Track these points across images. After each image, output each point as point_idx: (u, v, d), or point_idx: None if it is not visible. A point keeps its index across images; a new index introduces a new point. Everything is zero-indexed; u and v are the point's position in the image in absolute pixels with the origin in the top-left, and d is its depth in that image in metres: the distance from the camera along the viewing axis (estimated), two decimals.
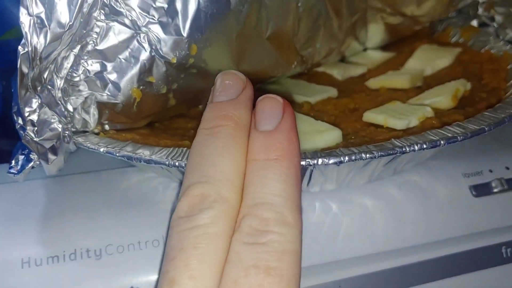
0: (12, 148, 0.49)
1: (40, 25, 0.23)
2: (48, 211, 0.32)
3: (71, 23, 0.24)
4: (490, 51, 0.45)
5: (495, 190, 0.36)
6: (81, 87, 0.28)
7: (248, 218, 0.21)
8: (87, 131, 0.30)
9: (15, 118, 0.26)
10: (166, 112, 0.32)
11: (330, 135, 0.30)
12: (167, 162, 0.26)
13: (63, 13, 0.23)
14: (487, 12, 0.48)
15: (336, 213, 0.32)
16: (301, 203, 0.22)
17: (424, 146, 0.27)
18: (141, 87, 0.29)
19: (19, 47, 0.23)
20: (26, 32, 0.23)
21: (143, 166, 0.33)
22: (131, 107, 0.29)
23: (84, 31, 0.26)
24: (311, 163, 0.26)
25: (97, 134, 0.30)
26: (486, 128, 0.29)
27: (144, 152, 0.27)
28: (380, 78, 0.42)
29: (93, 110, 0.29)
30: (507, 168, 0.37)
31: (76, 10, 0.24)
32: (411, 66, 0.45)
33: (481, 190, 0.36)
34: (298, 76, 0.42)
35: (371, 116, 0.33)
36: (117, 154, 0.27)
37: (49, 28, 0.23)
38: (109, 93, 0.28)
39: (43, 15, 0.23)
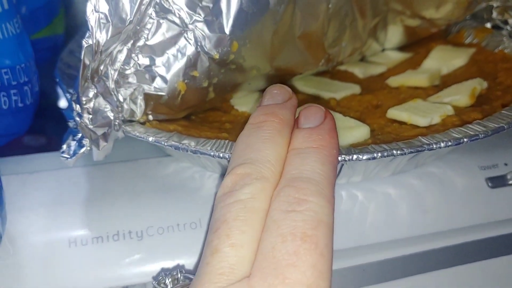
0: (46, 141, 0.52)
1: (104, 20, 0.25)
2: (91, 196, 0.34)
3: (131, 19, 0.26)
4: (504, 51, 0.47)
5: (510, 182, 0.38)
6: (130, 79, 0.30)
7: (287, 189, 0.23)
8: (133, 121, 0.32)
9: (73, 105, 0.28)
10: (204, 104, 0.34)
11: (359, 131, 0.32)
12: (212, 153, 0.28)
13: (125, 10, 0.26)
14: (501, 15, 0.50)
15: (362, 201, 0.34)
16: (334, 186, 0.24)
17: (449, 143, 0.29)
18: (185, 80, 0.31)
19: (83, 41, 0.25)
20: (91, 26, 0.25)
21: (180, 155, 0.36)
22: (176, 99, 0.31)
23: (138, 27, 0.28)
24: (346, 159, 0.28)
25: (143, 124, 0.32)
26: (505, 126, 0.31)
27: (190, 143, 0.29)
28: (400, 76, 0.44)
29: (140, 101, 0.31)
30: None
31: (136, 7, 0.26)
32: (428, 65, 0.47)
33: (497, 181, 0.38)
34: (321, 74, 0.44)
35: (395, 113, 0.35)
36: (165, 144, 0.29)
37: (112, 24, 0.25)
38: (156, 86, 0.30)
39: (107, 12, 0.25)
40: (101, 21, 0.25)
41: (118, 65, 0.29)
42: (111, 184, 0.35)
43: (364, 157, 0.28)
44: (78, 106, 0.27)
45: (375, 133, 0.34)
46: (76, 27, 0.64)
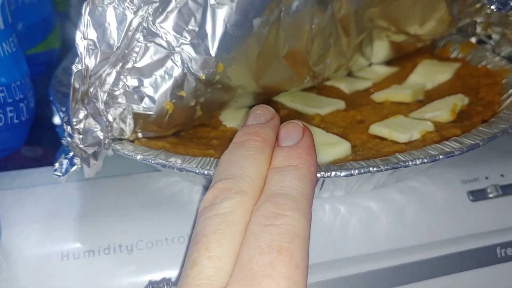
0: (43, 151, 0.53)
1: (92, 47, 0.26)
2: (84, 210, 0.35)
3: (118, 44, 0.27)
4: (487, 66, 0.48)
5: (491, 195, 0.39)
6: (120, 100, 0.31)
7: (267, 204, 0.24)
8: (123, 139, 0.33)
9: (65, 126, 0.29)
10: (192, 121, 0.36)
11: (341, 148, 0.34)
12: (197, 171, 0.29)
13: (112, 37, 0.27)
14: (484, 31, 0.51)
15: (344, 214, 0.36)
16: (312, 202, 0.26)
17: (425, 160, 0.30)
18: (173, 100, 0.32)
19: (73, 66, 0.26)
20: (81, 53, 0.26)
21: (169, 171, 0.37)
22: (164, 117, 0.33)
23: (126, 51, 0.29)
24: (325, 175, 0.29)
25: (132, 141, 0.33)
26: (480, 143, 0.32)
27: (177, 161, 0.30)
28: (384, 92, 0.45)
29: (129, 120, 0.32)
30: (502, 176, 0.41)
31: (123, 34, 0.27)
32: (413, 80, 0.48)
33: (478, 195, 0.39)
34: (308, 89, 0.45)
35: (376, 129, 0.37)
36: (152, 162, 0.30)
37: (100, 50, 0.27)
38: (145, 105, 0.32)
39: (95, 39, 0.26)
40: (90, 47, 0.26)
41: (107, 87, 0.30)
42: (103, 199, 0.36)
43: (342, 174, 0.30)
44: (69, 127, 0.29)
45: (356, 149, 0.35)
46: (72, 40, 0.65)
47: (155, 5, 0.29)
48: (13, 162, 0.45)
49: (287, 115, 0.40)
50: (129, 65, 0.30)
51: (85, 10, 0.25)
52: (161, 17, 0.30)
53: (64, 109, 0.35)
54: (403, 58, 0.54)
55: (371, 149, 0.34)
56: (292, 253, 0.23)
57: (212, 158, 0.31)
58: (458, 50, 0.53)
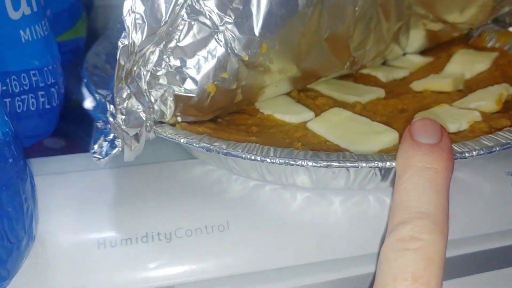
0: (65, 143, 0.52)
1: (140, 21, 0.25)
2: (119, 197, 0.34)
3: (165, 19, 0.26)
4: None
5: None
6: (161, 80, 0.30)
7: (402, 226, 0.23)
8: (163, 122, 0.32)
9: (108, 106, 0.28)
10: (231, 106, 0.35)
11: (388, 137, 0.32)
12: (243, 155, 0.28)
13: (160, 10, 0.26)
14: None
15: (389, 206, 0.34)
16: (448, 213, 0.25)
17: (481, 152, 0.29)
18: (215, 82, 0.31)
19: (119, 42, 0.25)
20: (128, 27, 0.25)
21: (206, 158, 0.36)
22: (205, 100, 0.32)
23: (171, 29, 0.28)
24: (380, 166, 0.28)
25: (173, 125, 0.32)
26: None
27: (221, 146, 0.29)
28: (423, 81, 0.44)
29: (170, 103, 0.31)
30: None
31: (171, 8, 0.26)
32: (451, 70, 0.47)
33: None
34: (344, 78, 0.44)
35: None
36: (197, 146, 0.29)
37: (147, 24, 0.26)
38: (186, 87, 0.31)
39: (143, 12, 0.25)
40: (137, 21, 0.25)
41: (150, 66, 0.29)
42: (138, 186, 0.35)
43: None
44: (112, 106, 0.28)
45: None
46: (97, 30, 0.64)
47: None
48: (36, 152, 0.44)
49: (325, 103, 0.39)
50: (172, 44, 0.29)
51: None
52: None
53: (100, 91, 0.33)
54: (438, 48, 0.53)
55: None
56: (427, 281, 0.22)
57: (257, 145, 0.29)
58: (495, 40, 0.52)
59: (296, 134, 0.34)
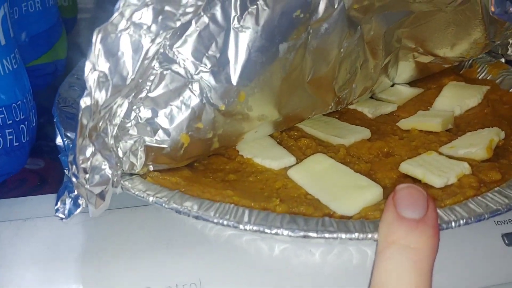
0: (44, 164, 0.49)
1: (103, 79, 0.23)
2: (87, 252, 0.32)
3: (132, 76, 0.24)
4: None
5: None
6: (131, 131, 0.28)
7: None
8: (133, 174, 0.30)
9: (70, 166, 0.26)
10: (208, 153, 0.33)
11: (372, 194, 0.30)
12: (215, 220, 0.26)
13: (126, 67, 0.24)
14: None
15: (372, 257, 0.33)
16: None
17: (470, 221, 0.27)
18: (189, 132, 0.29)
19: (81, 101, 0.23)
20: (90, 87, 0.23)
21: None
22: (178, 151, 0.30)
23: (141, 80, 0.26)
24: (359, 237, 0.26)
25: (143, 176, 0.30)
26: None
27: (193, 207, 0.27)
28: (411, 119, 0.42)
29: (141, 153, 0.29)
30: None
31: (138, 64, 0.24)
32: (440, 105, 0.45)
33: None
34: (329, 114, 0.42)
35: (408, 168, 0.34)
36: (166, 206, 0.27)
37: (112, 83, 0.24)
38: (158, 138, 0.29)
39: (107, 70, 0.23)
40: (101, 80, 0.23)
41: (117, 120, 0.27)
42: (108, 236, 0.33)
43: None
44: (74, 166, 0.26)
45: (388, 192, 0.32)
46: (80, 45, 0.62)
47: (173, 29, 0.26)
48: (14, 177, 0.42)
49: (308, 145, 0.37)
50: (143, 95, 0.27)
51: (96, 37, 0.22)
52: (179, 42, 0.27)
53: (69, 134, 0.31)
54: (427, 79, 0.51)
55: None
56: None
57: (232, 206, 0.28)
58: (487, 71, 0.50)
59: (275, 184, 0.32)
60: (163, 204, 0.27)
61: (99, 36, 0.22)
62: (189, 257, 0.32)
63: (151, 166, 0.31)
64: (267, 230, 0.26)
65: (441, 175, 0.32)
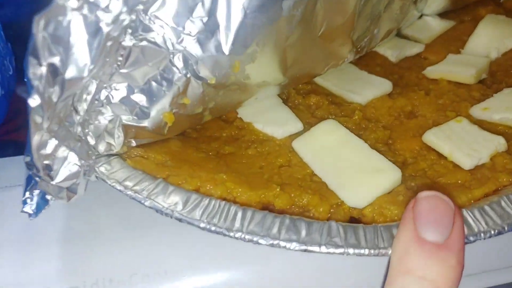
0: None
1: (53, 74, 0.18)
2: (67, 235, 0.29)
3: (91, 66, 0.19)
4: None
5: None
6: (104, 111, 0.24)
7: None
8: (112, 154, 0.26)
9: (28, 167, 0.22)
10: (199, 125, 0.28)
11: (388, 180, 0.26)
12: (201, 225, 0.23)
13: (82, 57, 0.19)
14: None
15: None
16: None
17: (504, 230, 0.23)
18: (173, 110, 0.25)
19: (29, 100, 0.18)
20: (37, 86, 0.18)
21: None
22: (162, 128, 0.25)
23: (108, 59, 0.21)
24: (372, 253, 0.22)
25: (123, 157, 0.26)
26: None
27: (177, 206, 0.23)
28: (440, 67, 0.36)
29: (118, 132, 0.25)
30: None
31: (99, 50, 0.19)
32: (474, 46, 0.39)
33: None
34: None
35: (433, 140, 0.29)
36: (146, 204, 0.23)
37: (65, 76, 0.19)
38: (136, 117, 0.24)
39: (58, 62, 0.18)
40: (50, 75, 0.18)
41: (84, 105, 0.22)
42: (91, 220, 0.29)
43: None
44: (34, 166, 0.22)
45: (407, 173, 0.27)
46: None
47: None
48: None
49: (318, 104, 0.32)
50: (114, 71, 0.22)
51: (38, 25, 0.17)
52: (156, 4, 0.22)
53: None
54: (461, 9, 0.44)
55: (425, 177, 0.27)
56: None
57: (223, 203, 0.24)
58: None
59: (277, 161, 0.28)
60: (142, 201, 0.23)
61: (41, 22, 0.17)
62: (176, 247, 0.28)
63: (133, 142, 0.26)
64: (261, 241, 0.22)
65: (472, 155, 0.27)
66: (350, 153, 0.28)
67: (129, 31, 0.21)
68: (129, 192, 0.24)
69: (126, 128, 0.25)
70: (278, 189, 0.25)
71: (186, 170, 0.26)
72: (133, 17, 0.21)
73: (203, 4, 0.22)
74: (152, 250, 0.28)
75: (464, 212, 0.24)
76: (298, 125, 0.30)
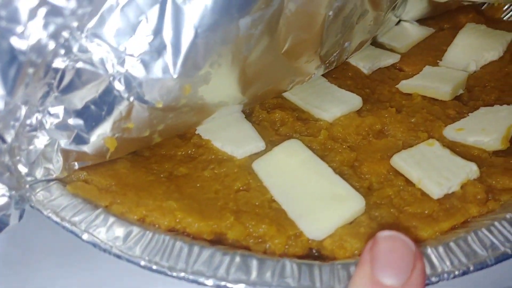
0: None
1: None
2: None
3: (8, 97, 0.17)
4: None
5: None
6: (39, 135, 0.22)
7: None
8: (51, 180, 0.24)
9: None
10: (149, 146, 0.26)
11: (351, 208, 0.24)
12: (142, 263, 0.21)
13: None
14: None
15: None
16: None
17: (469, 269, 0.21)
18: (116, 135, 0.22)
19: None
20: None
21: None
22: (105, 153, 0.23)
23: (36, 85, 0.19)
24: None
25: (63, 183, 0.24)
26: None
27: (115, 242, 0.21)
28: (415, 81, 0.34)
29: (56, 157, 0.23)
30: None
31: (19, 78, 0.17)
32: (452, 57, 0.37)
33: None
34: None
35: (402, 165, 0.27)
36: (84, 238, 0.21)
37: None
38: (74, 143, 0.22)
39: None
40: None
41: (12, 132, 0.20)
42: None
43: None
44: None
45: (372, 201, 0.25)
46: None
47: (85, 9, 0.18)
48: None
49: (282, 119, 0.30)
50: (45, 95, 0.20)
51: None
52: (94, 20, 0.19)
53: None
54: (441, 15, 0.42)
55: (390, 206, 0.25)
56: None
57: (167, 238, 0.22)
58: None
59: (235, 184, 0.26)
60: (80, 235, 0.21)
61: None
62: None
63: (76, 165, 0.24)
64: (207, 282, 0.20)
65: (441, 183, 0.26)
66: (313, 178, 0.26)
67: (62, 52, 0.19)
68: (66, 224, 0.22)
69: (65, 152, 0.23)
70: (232, 219, 0.23)
71: (132, 197, 0.24)
72: (65, 35, 0.19)
73: (147, 21, 0.20)
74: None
75: (428, 249, 0.22)
76: (259, 145, 0.28)
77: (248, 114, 0.30)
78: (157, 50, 0.21)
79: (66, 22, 0.18)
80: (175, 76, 0.21)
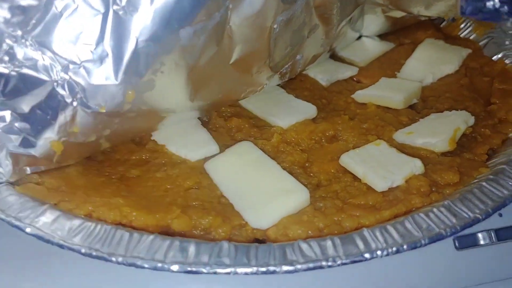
0: None
1: None
2: None
3: None
4: (505, 62, 0.38)
5: (481, 242, 0.31)
6: None
7: None
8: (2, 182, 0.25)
9: None
10: (98, 152, 0.27)
11: (295, 199, 0.25)
12: (82, 250, 0.21)
13: None
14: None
15: None
16: None
17: (402, 248, 0.22)
18: (62, 139, 0.23)
19: None
20: None
21: None
22: (52, 157, 0.24)
23: None
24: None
25: (14, 184, 0.25)
26: (481, 217, 0.24)
27: (58, 233, 0.22)
28: (369, 91, 0.36)
29: (6, 161, 0.24)
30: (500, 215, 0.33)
31: None
32: (410, 70, 0.39)
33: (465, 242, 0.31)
34: None
35: (348, 162, 0.28)
36: (27, 231, 0.22)
37: None
38: (22, 146, 0.23)
39: None
40: None
41: None
42: None
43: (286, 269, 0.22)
44: None
45: (318, 195, 0.26)
46: None
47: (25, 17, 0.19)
48: None
49: (238, 126, 0.31)
50: None
51: None
52: (38, 29, 0.21)
53: None
54: (401, 31, 0.44)
55: (335, 198, 0.26)
56: None
57: (109, 227, 0.22)
58: (472, 29, 0.43)
59: (186, 183, 0.27)
60: (23, 228, 0.22)
61: None
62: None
63: (28, 169, 0.25)
64: (145, 265, 0.21)
65: (385, 177, 0.27)
66: (261, 174, 0.27)
67: (6, 58, 0.20)
68: (11, 219, 0.22)
69: (15, 156, 0.24)
70: (178, 211, 0.24)
71: (80, 196, 0.25)
72: (10, 43, 0.20)
73: (90, 31, 0.21)
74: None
75: (365, 230, 0.23)
76: (213, 148, 0.29)
77: (206, 122, 0.32)
78: (100, 58, 0.22)
79: (7, 30, 0.19)
80: (117, 82, 0.22)
